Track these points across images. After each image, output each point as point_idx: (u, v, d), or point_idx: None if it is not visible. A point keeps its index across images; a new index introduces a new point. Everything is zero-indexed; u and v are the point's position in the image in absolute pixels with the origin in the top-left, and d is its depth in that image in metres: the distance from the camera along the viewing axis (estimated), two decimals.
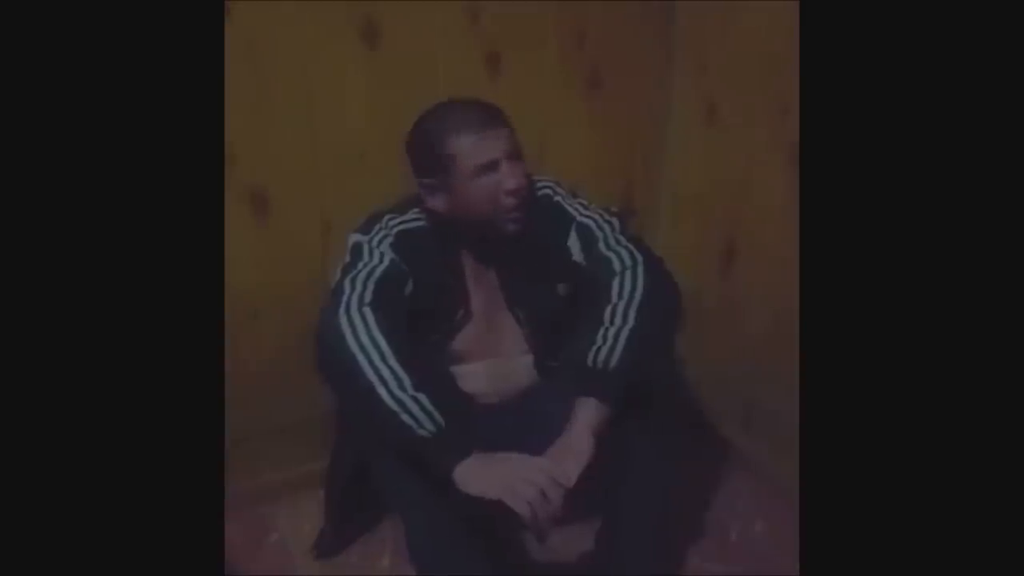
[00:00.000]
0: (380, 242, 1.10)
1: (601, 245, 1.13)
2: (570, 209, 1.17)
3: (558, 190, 1.19)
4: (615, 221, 1.16)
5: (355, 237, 1.13)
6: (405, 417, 0.96)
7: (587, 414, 1.02)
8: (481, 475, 0.95)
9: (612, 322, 1.05)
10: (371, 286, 1.05)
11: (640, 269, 1.09)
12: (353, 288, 1.05)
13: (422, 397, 0.97)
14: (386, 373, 0.97)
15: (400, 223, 1.13)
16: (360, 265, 1.08)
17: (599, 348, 1.03)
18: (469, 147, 1.04)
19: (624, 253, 1.11)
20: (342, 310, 1.02)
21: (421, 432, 0.96)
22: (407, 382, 0.97)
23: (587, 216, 1.16)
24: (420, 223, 1.14)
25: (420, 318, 1.11)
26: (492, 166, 1.05)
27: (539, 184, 1.18)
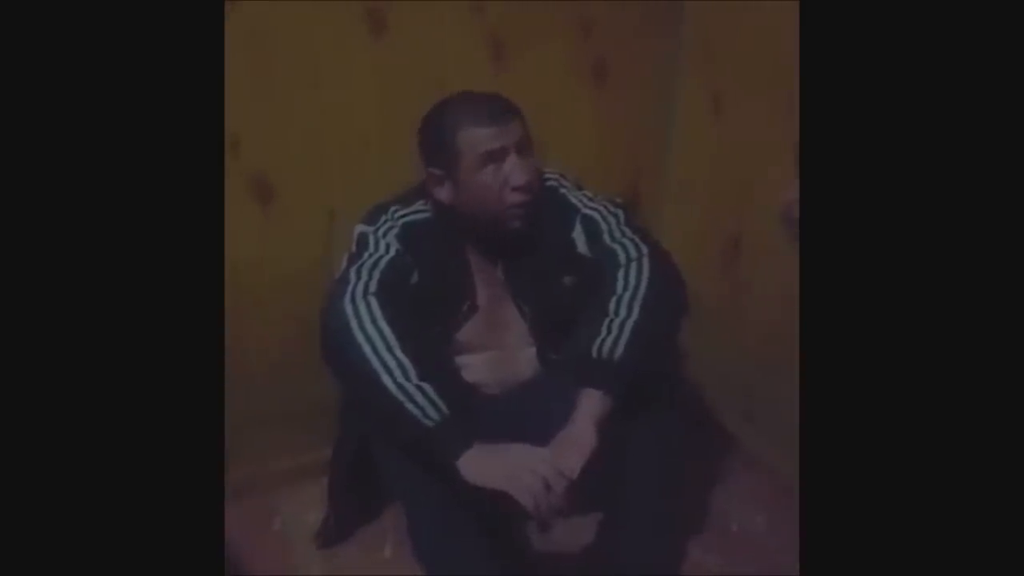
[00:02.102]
0: (386, 233, 1.11)
1: (606, 237, 1.13)
2: (575, 201, 1.17)
3: (563, 182, 1.19)
4: (620, 212, 1.16)
5: (361, 228, 1.13)
6: (409, 406, 0.96)
7: (591, 405, 1.02)
8: (485, 465, 0.96)
9: (617, 313, 1.05)
10: (376, 276, 1.06)
11: (645, 261, 1.09)
12: (358, 278, 1.05)
13: (426, 387, 0.97)
14: (391, 362, 0.98)
15: (405, 215, 1.13)
16: (365, 255, 1.09)
17: (603, 339, 1.03)
18: (476, 137, 1.03)
19: (629, 245, 1.11)
20: (347, 299, 1.02)
21: (425, 422, 0.96)
22: (411, 371, 0.97)
23: (592, 208, 1.16)
24: (426, 215, 1.14)
25: (425, 309, 1.11)
26: (499, 155, 1.04)
27: (544, 176, 1.18)
